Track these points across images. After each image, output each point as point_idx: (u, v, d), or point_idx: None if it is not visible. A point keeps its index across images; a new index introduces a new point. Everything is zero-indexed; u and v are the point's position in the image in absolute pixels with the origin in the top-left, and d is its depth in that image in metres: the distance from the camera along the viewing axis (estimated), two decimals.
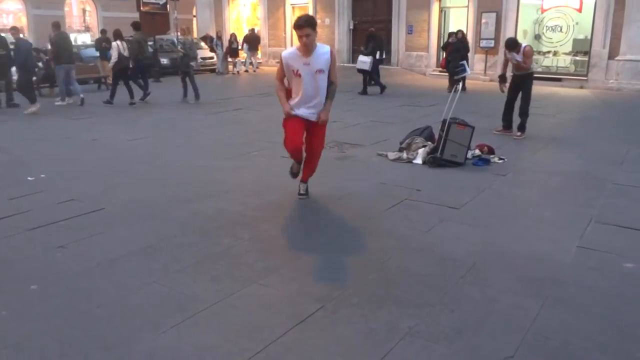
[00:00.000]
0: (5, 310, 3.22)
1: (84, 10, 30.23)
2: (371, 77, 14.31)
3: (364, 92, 14.15)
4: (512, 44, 8.31)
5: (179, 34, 14.22)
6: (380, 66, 15.10)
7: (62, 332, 3.00)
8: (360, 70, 14.23)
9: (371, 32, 14.95)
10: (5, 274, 3.72)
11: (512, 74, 8.54)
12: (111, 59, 12.54)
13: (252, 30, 21.97)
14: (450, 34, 15.33)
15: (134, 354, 2.80)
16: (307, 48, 4.67)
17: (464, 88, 13.68)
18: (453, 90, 6.92)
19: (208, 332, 2.99)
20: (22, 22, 26.86)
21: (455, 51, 14.32)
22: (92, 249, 4.15)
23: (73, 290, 3.48)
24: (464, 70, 13.92)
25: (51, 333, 2.98)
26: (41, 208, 5.10)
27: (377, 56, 14.33)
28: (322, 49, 4.81)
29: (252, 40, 21.03)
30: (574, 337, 2.94)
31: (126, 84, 12.54)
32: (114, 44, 12.38)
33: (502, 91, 8.53)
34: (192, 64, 13.53)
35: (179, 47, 13.44)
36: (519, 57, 8.14)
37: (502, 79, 8.52)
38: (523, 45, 8.29)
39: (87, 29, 29.68)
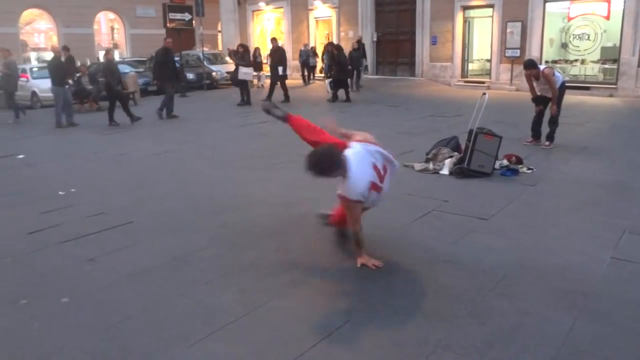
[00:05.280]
0: (38, 323, 3.27)
1: (112, 28, 30.93)
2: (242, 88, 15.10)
3: (245, 102, 15.02)
4: (531, 64, 8.10)
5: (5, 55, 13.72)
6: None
7: (91, 344, 3.03)
8: (242, 81, 15.20)
9: (244, 44, 16.82)
10: (37, 287, 3.78)
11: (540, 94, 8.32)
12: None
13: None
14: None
15: None
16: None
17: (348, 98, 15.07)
18: (480, 99, 6.84)
19: (235, 345, 2.99)
20: (53, 40, 27.55)
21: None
22: (121, 261, 4.20)
23: (102, 303, 3.52)
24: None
25: (81, 346, 3.02)
26: (72, 221, 5.19)
27: (281, 72, 15.38)
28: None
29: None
30: (610, 351, 2.86)
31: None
32: None
33: (542, 111, 8.32)
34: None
35: (1, 67, 13.26)
36: (543, 85, 7.99)
37: (536, 101, 8.36)
38: (541, 68, 8.05)
39: (116, 47, 30.34)
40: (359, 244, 3.99)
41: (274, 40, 16.44)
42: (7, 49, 13.96)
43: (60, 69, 12.39)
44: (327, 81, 15.79)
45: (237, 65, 15.42)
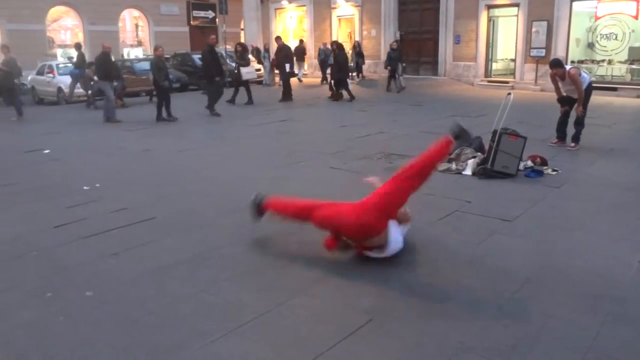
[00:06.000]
0: (63, 316, 3.32)
1: (136, 26, 31.25)
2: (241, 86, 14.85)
3: (251, 101, 14.66)
4: (557, 63, 7.97)
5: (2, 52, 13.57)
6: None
7: (114, 338, 3.06)
8: (247, 81, 14.97)
9: (243, 44, 16.78)
10: (63, 280, 3.83)
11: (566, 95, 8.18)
12: None
13: (301, 41, 22.21)
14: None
15: None
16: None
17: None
18: (505, 99, 6.75)
19: (256, 342, 2.99)
20: (79, 37, 27.97)
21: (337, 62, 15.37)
22: (143, 257, 4.23)
23: (125, 298, 3.55)
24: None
25: (104, 339, 3.05)
26: (96, 216, 5.25)
27: (288, 69, 15.24)
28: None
29: (299, 52, 21.29)
30: (638, 358, 2.79)
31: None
32: None
33: (568, 112, 8.21)
34: (16, 81, 13.79)
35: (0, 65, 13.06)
36: (569, 85, 7.85)
37: (562, 101, 8.22)
38: (567, 68, 7.93)
39: (140, 44, 30.66)
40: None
41: (278, 38, 16.34)
42: (7, 45, 14.05)
43: (106, 64, 12.51)
44: (333, 82, 15.72)
45: (237, 65, 15.25)
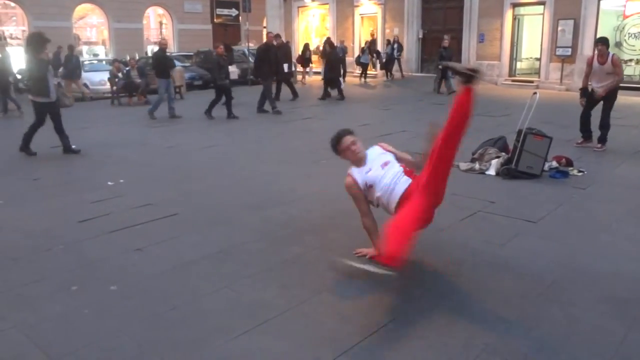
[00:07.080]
0: (88, 309, 3.36)
1: (160, 23, 31.55)
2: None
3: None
4: (606, 40, 7.82)
5: None
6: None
7: (138, 332, 3.09)
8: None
9: (227, 44, 16.43)
10: (88, 274, 3.89)
11: (593, 88, 8.00)
12: None
13: (328, 39, 22.17)
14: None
15: (206, 357, 2.85)
16: (360, 155, 4.11)
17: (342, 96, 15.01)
18: (530, 98, 6.66)
19: (279, 339, 3.00)
20: (104, 35, 28.37)
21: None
22: (166, 252, 4.27)
23: (149, 292, 3.59)
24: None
25: (129, 333, 3.08)
26: (120, 211, 5.31)
27: (286, 69, 14.76)
28: (374, 152, 4.21)
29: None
30: None
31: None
32: None
33: (583, 105, 8.09)
34: (11, 79, 13.77)
35: None
36: (601, 74, 7.69)
37: (584, 93, 8.09)
38: (610, 54, 7.78)
39: (163, 41, 30.93)
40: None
41: (277, 36, 16.01)
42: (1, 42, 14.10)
43: (162, 60, 12.48)
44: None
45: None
